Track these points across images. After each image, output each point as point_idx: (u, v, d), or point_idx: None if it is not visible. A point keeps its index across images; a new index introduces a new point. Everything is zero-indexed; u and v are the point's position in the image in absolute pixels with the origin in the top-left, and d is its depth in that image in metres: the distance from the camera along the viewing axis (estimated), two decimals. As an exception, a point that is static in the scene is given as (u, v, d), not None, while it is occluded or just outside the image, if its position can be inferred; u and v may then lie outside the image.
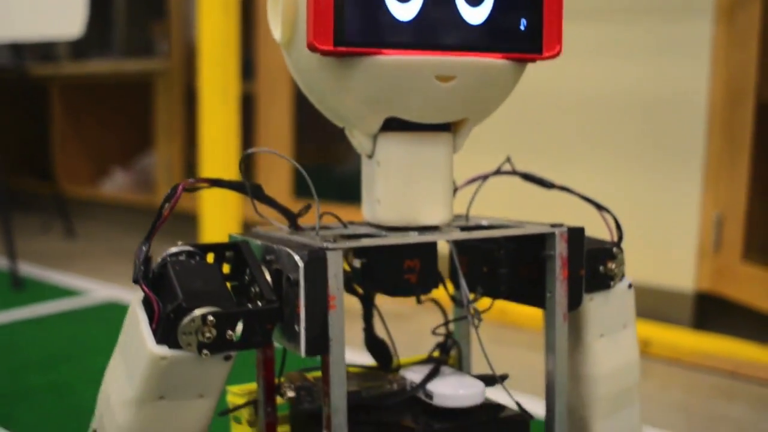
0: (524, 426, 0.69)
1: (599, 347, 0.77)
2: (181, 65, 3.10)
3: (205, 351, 0.58)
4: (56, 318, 2.29)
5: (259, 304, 0.60)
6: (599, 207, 0.78)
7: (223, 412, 0.75)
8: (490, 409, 0.71)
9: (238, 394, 0.75)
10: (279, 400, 0.74)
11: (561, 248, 0.69)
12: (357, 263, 0.70)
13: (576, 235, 0.70)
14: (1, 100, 3.84)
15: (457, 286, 0.78)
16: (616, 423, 0.79)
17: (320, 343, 0.59)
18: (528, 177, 0.80)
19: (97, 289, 2.69)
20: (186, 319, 0.57)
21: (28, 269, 2.86)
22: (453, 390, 0.69)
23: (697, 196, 1.96)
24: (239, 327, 0.58)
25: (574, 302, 0.71)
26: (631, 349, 0.79)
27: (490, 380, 0.73)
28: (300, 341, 0.58)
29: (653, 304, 2.01)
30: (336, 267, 0.59)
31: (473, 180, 0.81)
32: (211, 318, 0.57)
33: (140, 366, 0.59)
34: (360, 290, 0.76)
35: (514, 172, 0.80)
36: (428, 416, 0.68)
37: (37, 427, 1.51)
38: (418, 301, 0.80)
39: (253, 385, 0.74)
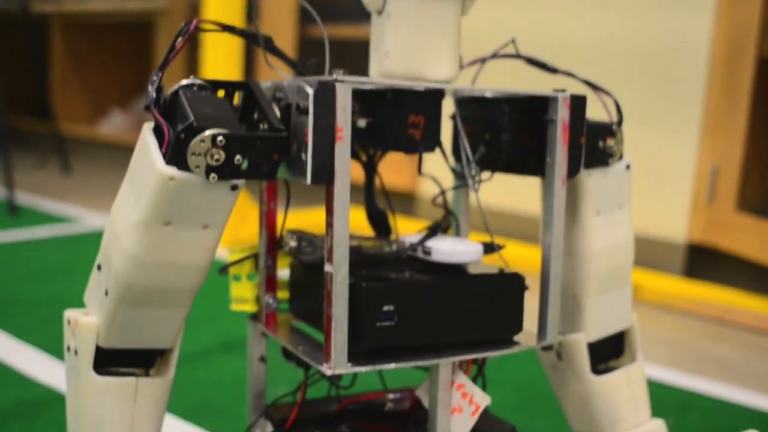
0: (520, 283, 0.70)
1: (595, 224, 0.79)
2: (183, 5, 3.09)
3: (213, 175, 0.59)
4: (51, 241, 2.30)
5: None
6: (601, 90, 0.79)
7: (223, 267, 0.76)
8: (486, 269, 0.72)
9: (238, 251, 0.76)
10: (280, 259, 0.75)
11: (563, 113, 0.70)
12: (362, 123, 0.72)
13: (578, 102, 0.71)
14: (2, 38, 3.82)
15: (458, 158, 0.80)
16: (608, 302, 0.81)
17: (326, 172, 0.60)
18: (531, 61, 0.81)
19: (90, 217, 2.71)
20: (196, 139, 0.58)
21: (24, 198, 2.87)
22: (451, 246, 0.70)
23: (693, 148, 1.97)
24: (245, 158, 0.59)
25: (573, 169, 0.73)
26: (625, 230, 0.81)
27: (487, 248, 0.74)
28: (306, 169, 0.60)
29: (645, 254, 2.03)
30: (344, 100, 0.60)
31: (475, 61, 0.82)
32: (220, 139, 0.58)
33: (148, 188, 0.60)
34: (364, 157, 0.77)
35: (517, 56, 0.81)
36: (426, 271, 0.69)
37: (31, 330, 1.53)
38: (419, 171, 0.81)
39: (253, 243, 0.76)
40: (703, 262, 2.05)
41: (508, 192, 2.15)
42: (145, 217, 0.61)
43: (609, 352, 0.85)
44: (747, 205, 1.97)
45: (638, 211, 2.09)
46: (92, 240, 2.32)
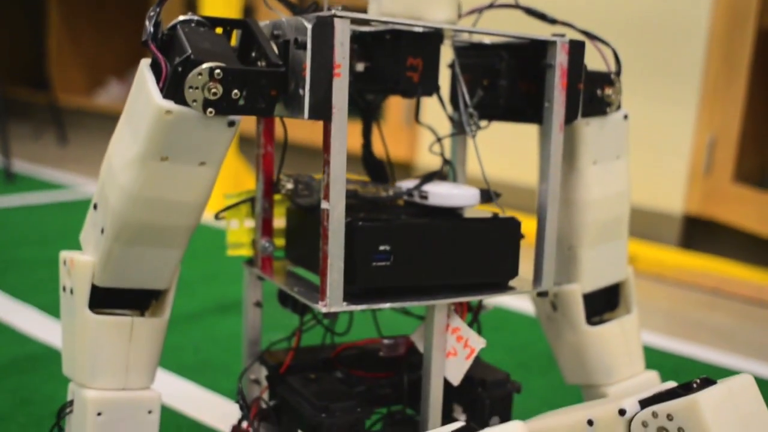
0: (516, 228, 0.70)
1: (591, 173, 0.79)
2: (182, -26, 3.07)
3: (210, 109, 0.59)
4: (48, 207, 2.30)
5: None
6: (599, 40, 0.79)
7: (220, 212, 0.76)
8: (483, 214, 0.72)
9: (234, 195, 0.76)
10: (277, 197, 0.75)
11: (561, 58, 0.70)
12: (361, 67, 0.71)
13: (576, 48, 0.71)
14: (-1, 7, 3.80)
15: (455, 107, 0.80)
16: (603, 253, 0.81)
17: (323, 107, 0.60)
18: (530, 11, 0.80)
19: (87, 184, 2.70)
20: (194, 72, 0.58)
21: (20, 166, 2.87)
22: (447, 190, 0.70)
23: (691, 119, 1.97)
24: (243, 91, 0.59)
25: (571, 115, 0.73)
26: (622, 181, 0.81)
27: (484, 194, 0.74)
28: (304, 104, 0.60)
29: (642, 226, 2.03)
30: (343, 36, 0.60)
31: (474, 11, 0.81)
32: (218, 72, 0.58)
33: (145, 123, 0.60)
34: (362, 103, 0.77)
35: (516, 6, 0.80)
36: (423, 214, 0.69)
37: (28, 290, 1.53)
38: (417, 118, 0.81)
39: (249, 188, 0.76)
40: (700, 233, 2.05)
41: (508, 165, 2.15)
42: (141, 153, 0.61)
43: (604, 305, 0.85)
44: (744, 176, 1.97)
45: (635, 182, 2.09)
46: (88, 206, 2.33)
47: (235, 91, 0.59)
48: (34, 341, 1.29)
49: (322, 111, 0.60)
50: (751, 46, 1.89)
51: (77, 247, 0.71)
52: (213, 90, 0.59)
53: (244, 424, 0.77)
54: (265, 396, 0.76)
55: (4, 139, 2.60)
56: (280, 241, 0.78)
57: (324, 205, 0.61)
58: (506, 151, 2.11)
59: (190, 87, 0.58)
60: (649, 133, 2.01)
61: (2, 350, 1.24)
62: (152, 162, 0.61)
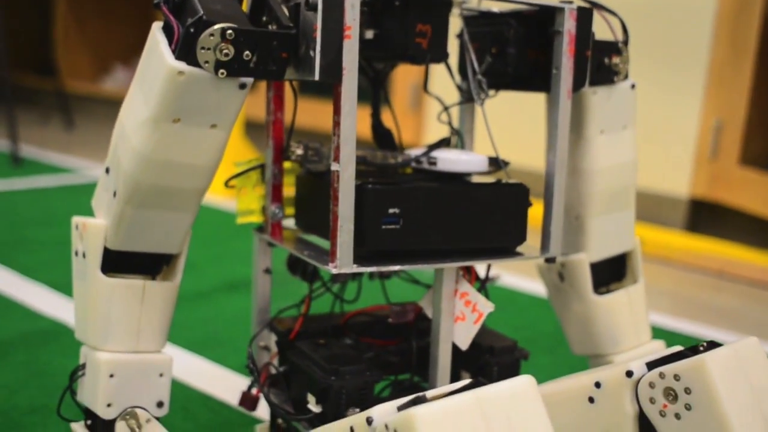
0: (524, 194, 0.71)
1: (599, 143, 0.79)
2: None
3: (222, 71, 0.60)
4: (55, 190, 2.31)
5: None
6: (606, 10, 0.79)
7: (230, 179, 0.77)
8: (491, 180, 0.73)
9: (244, 163, 0.77)
10: (287, 165, 0.76)
11: (569, 25, 0.70)
12: (370, 34, 0.72)
13: (584, 14, 0.71)
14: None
15: (464, 76, 0.80)
16: (610, 223, 0.82)
17: (334, 69, 0.60)
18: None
19: (93, 168, 2.71)
20: (206, 32, 0.58)
21: (27, 151, 2.88)
22: (456, 155, 0.71)
23: (697, 103, 1.97)
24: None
25: (579, 82, 0.73)
26: (630, 150, 0.81)
27: (492, 162, 0.74)
28: (314, 66, 0.60)
29: (648, 210, 2.04)
30: (353, -2, 0.60)
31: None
32: (230, 33, 0.59)
33: (157, 84, 0.61)
34: (370, 71, 0.78)
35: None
36: (432, 179, 0.70)
37: (37, 269, 1.54)
38: (425, 88, 0.81)
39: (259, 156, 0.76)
40: (706, 216, 2.06)
41: (517, 150, 2.14)
42: (153, 114, 0.61)
43: (611, 275, 0.85)
44: (750, 159, 1.97)
45: (641, 166, 2.09)
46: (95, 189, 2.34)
47: (247, 52, 0.60)
48: (43, 317, 1.30)
49: (332, 72, 0.60)
50: (758, 30, 1.89)
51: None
52: (225, 51, 0.59)
53: (254, 390, 0.77)
54: (275, 362, 0.77)
55: (11, 124, 2.61)
56: (290, 211, 0.78)
57: (334, 166, 0.62)
58: (515, 135, 2.11)
59: (202, 48, 0.59)
60: (656, 117, 2.01)
61: (13, 325, 1.25)
62: (164, 124, 0.61)
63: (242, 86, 0.62)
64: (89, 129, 3.54)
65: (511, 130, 2.07)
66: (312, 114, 1.86)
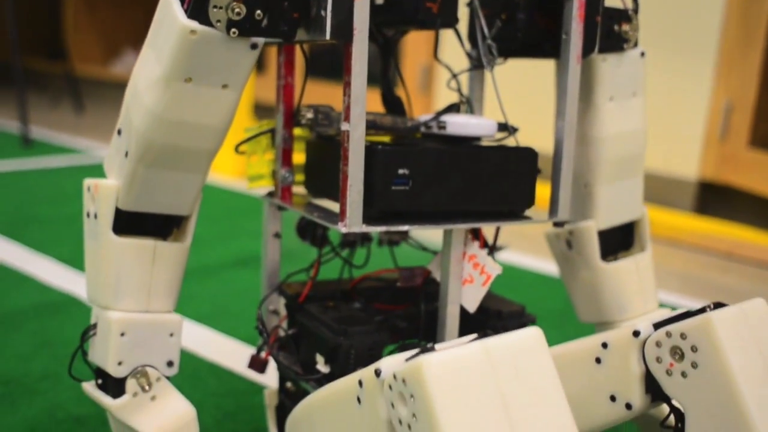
0: (533, 157, 0.71)
1: (608, 110, 0.79)
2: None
3: (233, 30, 0.60)
4: (64, 170, 2.33)
5: None
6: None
7: (240, 143, 0.77)
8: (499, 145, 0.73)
9: (254, 128, 0.77)
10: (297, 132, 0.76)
11: (580, -10, 0.70)
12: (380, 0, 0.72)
13: (595, -20, 0.71)
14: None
15: (473, 44, 0.80)
16: (619, 191, 0.82)
17: (345, 28, 0.61)
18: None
19: (102, 149, 2.72)
20: (217, -9, 0.59)
21: (37, 133, 2.89)
22: (466, 119, 0.71)
23: (708, 84, 1.96)
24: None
25: (588, 48, 0.73)
26: (639, 118, 0.81)
27: (502, 127, 0.75)
28: (326, 26, 0.60)
29: (657, 192, 2.03)
30: (364, -43, 0.60)
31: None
32: (241, -10, 0.59)
33: (169, 44, 0.61)
34: (380, 37, 0.78)
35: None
36: (441, 142, 0.70)
37: (47, 244, 1.55)
38: (435, 55, 0.82)
39: (269, 120, 0.77)
40: (714, 198, 2.05)
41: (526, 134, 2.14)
42: (165, 73, 0.62)
43: (618, 243, 0.86)
44: (759, 141, 1.97)
45: (650, 148, 2.09)
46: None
47: (258, 12, 0.60)
48: (54, 290, 1.31)
49: (343, 32, 0.61)
50: (769, 11, 1.89)
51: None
52: (237, 10, 0.60)
53: (263, 354, 0.78)
54: (284, 325, 0.78)
55: (22, 107, 2.62)
56: (300, 177, 0.78)
57: (344, 126, 0.62)
58: (526, 121, 2.11)
59: (215, 6, 0.59)
60: (665, 98, 2.01)
61: (24, 297, 1.26)
62: (176, 83, 0.62)
63: (254, 46, 0.62)
64: (99, 112, 3.55)
65: (520, 105, 2.07)
66: (323, 97, 1.87)
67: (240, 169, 2.37)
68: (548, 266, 1.59)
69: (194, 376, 1.02)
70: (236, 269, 1.48)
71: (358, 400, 0.56)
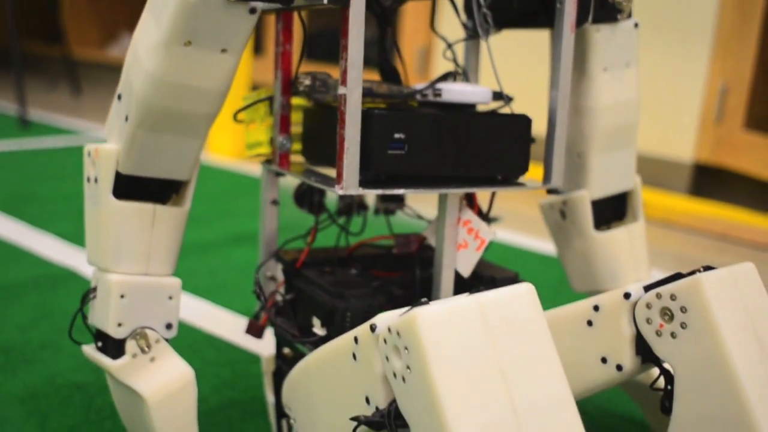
0: (527, 124, 0.72)
1: (602, 80, 0.80)
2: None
3: (232, -6, 0.61)
4: (62, 150, 2.33)
5: None
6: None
7: (238, 111, 0.78)
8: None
9: (252, 96, 0.78)
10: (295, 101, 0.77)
11: (574, -40, 0.71)
12: (377, -33, 0.73)
13: (590, -51, 0.72)
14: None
15: (469, 15, 0.81)
16: (612, 160, 0.83)
17: (342, -8, 0.61)
18: None
19: (99, 129, 2.73)
20: (216, -46, 0.60)
21: (35, 114, 2.89)
22: (461, 87, 0.72)
23: (704, 66, 1.97)
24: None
25: (582, 17, 0.74)
26: (632, 88, 0.82)
27: (497, 95, 0.76)
28: (323, -11, 0.61)
29: (652, 174, 2.04)
30: None
31: None
32: (239, -47, 0.60)
33: (169, 8, 0.62)
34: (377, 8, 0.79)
35: None
36: (437, 108, 0.71)
37: (46, 221, 1.56)
38: (432, 26, 0.82)
39: (267, 87, 0.78)
40: (709, 181, 2.07)
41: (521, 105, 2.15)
42: (165, 37, 0.63)
43: (612, 214, 0.87)
44: (755, 123, 1.98)
45: (646, 131, 2.10)
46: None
47: (256, -25, 0.61)
48: (53, 264, 1.32)
49: (340, -4, 0.62)
50: (766, -7, 1.89)
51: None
52: (235, -27, 0.60)
53: (261, 318, 0.79)
54: (281, 291, 0.79)
55: (19, 89, 2.62)
56: (297, 146, 0.79)
57: (341, 90, 0.63)
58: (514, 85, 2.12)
59: None
60: (661, 81, 2.02)
61: (24, 271, 1.27)
62: (176, 47, 0.63)
63: (252, 11, 0.63)
64: (96, 95, 3.55)
65: (515, 77, 2.08)
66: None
67: (237, 151, 2.38)
68: (542, 245, 1.61)
69: (193, 347, 1.03)
70: (234, 246, 1.49)
71: (354, 356, 0.57)
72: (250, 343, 1.05)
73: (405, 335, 0.50)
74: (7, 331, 1.05)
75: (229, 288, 1.26)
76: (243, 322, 1.12)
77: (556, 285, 1.34)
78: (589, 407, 0.92)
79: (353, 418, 0.56)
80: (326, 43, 2.21)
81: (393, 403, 0.53)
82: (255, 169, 2.24)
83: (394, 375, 0.52)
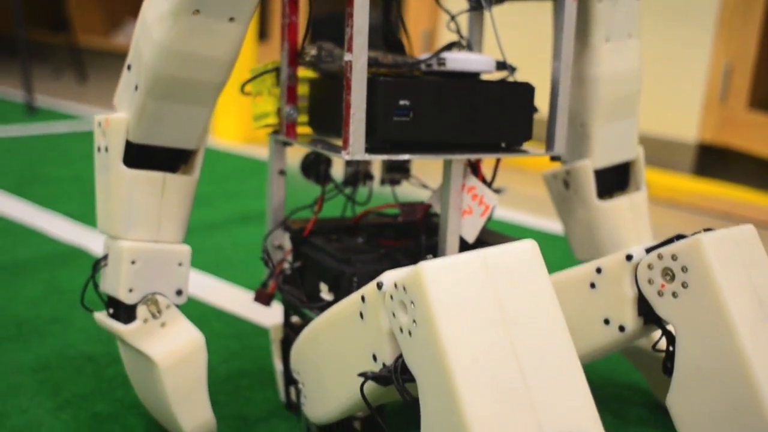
0: (530, 92, 0.73)
1: (604, 50, 0.81)
2: None
3: (239, -39, 0.62)
4: (68, 135, 2.35)
5: None
6: None
7: (245, 82, 0.79)
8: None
9: (259, 68, 0.79)
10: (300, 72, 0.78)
11: (577, -72, 0.72)
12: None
13: None
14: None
15: (473, -15, 0.82)
16: (615, 130, 0.84)
17: (347, -41, 0.62)
18: None
19: (106, 113, 2.74)
20: None
21: (41, 101, 2.91)
22: (465, 55, 0.73)
23: (708, 46, 1.97)
24: None
25: (585, -15, 0.75)
26: (634, 59, 0.83)
27: (500, 65, 0.77)
28: (328, -43, 0.62)
29: (656, 154, 2.05)
30: None
31: None
32: None
33: (177, -23, 0.63)
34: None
35: None
36: (441, 77, 0.72)
37: (54, 201, 1.58)
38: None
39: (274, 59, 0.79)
40: (714, 161, 2.07)
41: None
42: (174, 6, 0.64)
43: (614, 184, 0.88)
44: (759, 103, 1.99)
45: (650, 111, 2.10)
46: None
47: (263, -57, 0.62)
48: (62, 243, 1.34)
49: (345, -37, 0.63)
50: (769, -28, 1.90)
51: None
52: (242, -60, 0.61)
53: (269, 287, 0.80)
54: (289, 259, 0.80)
55: (26, 76, 2.63)
56: (303, 118, 0.80)
57: (347, 56, 0.64)
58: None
59: None
60: (665, 61, 2.02)
61: (33, 249, 1.29)
62: (184, 15, 0.64)
63: (258, -18, 0.64)
64: (102, 82, 3.56)
65: (519, 48, 2.08)
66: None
67: (243, 135, 2.39)
68: (546, 223, 1.62)
69: (201, 320, 1.05)
70: (240, 225, 1.50)
71: (361, 315, 0.58)
72: (257, 315, 1.06)
73: (411, 289, 0.51)
74: (18, 305, 1.06)
75: (236, 264, 1.28)
76: (250, 296, 1.13)
77: (560, 262, 1.35)
78: (594, 377, 0.94)
79: (360, 374, 0.57)
80: (332, 27, 2.22)
81: (399, 358, 0.54)
82: (260, 152, 2.25)
83: (401, 330, 0.53)
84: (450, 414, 0.48)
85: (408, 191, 0.88)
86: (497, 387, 0.48)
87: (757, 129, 1.93)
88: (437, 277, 0.50)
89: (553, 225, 1.60)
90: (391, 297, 0.54)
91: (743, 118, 1.96)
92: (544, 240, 1.51)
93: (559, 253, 1.39)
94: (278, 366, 0.84)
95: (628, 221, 0.85)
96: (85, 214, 1.49)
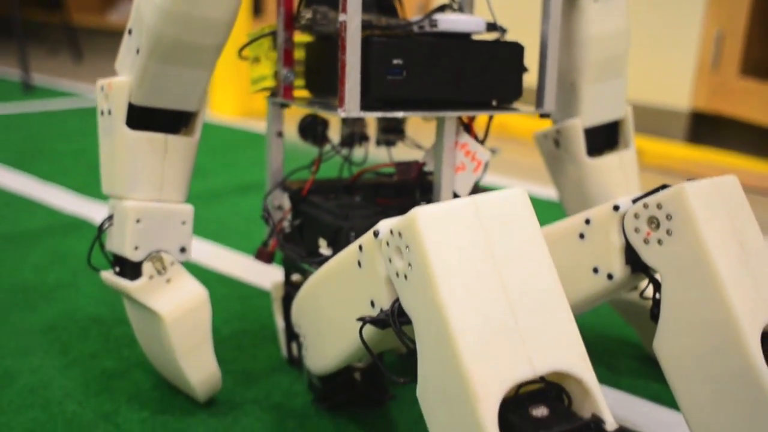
0: (519, 51, 0.75)
1: (592, 10, 0.83)
2: None
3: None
4: (66, 112, 2.36)
5: None
6: None
7: (243, 47, 0.81)
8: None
9: (256, 32, 0.81)
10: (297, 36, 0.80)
11: None
12: None
13: None
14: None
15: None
16: (604, 90, 0.86)
17: None
18: None
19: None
20: None
21: (38, 79, 2.92)
22: (456, 16, 0.75)
23: (699, 13, 1.99)
24: None
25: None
26: (621, 19, 0.85)
27: (491, 26, 0.79)
28: None
29: (649, 122, 2.07)
30: None
31: None
32: None
33: (176, -60, 0.65)
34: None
35: None
36: (434, 37, 0.74)
37: (56, 174, 1.60)
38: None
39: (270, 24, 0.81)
40: (706, 128, 2.09)
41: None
42: (173, -32, 0.66)
43: (603, 143, 0.90)
44: (750, 69, 2.00)
45: (642, 79, 2.12)
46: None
47: None
48: (64, 214, 1.36)
49: (338, -75, 0.64)
50: (760, -61, 1.91)
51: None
52: None
53: (270, 245, 0.83)
54: (288, 218, 0.82)
55: (22, 55, 2.64)
56: (299, 82, 0.83)
57: (342, 17, 0.66)
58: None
59: None
60: (656, 29, 2.04)
61: (37, 220, 1.31)
62: (182, -21, 0.66)
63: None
64: (97, 61, 3.57)
65: (509, 9, 2.10)
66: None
67: (240, 110, 2.41)
68: (539, 189, 1.64)
69: (204, 285, 1.07)
70: (239, 194, 1.52)
71: (359, 264, 0.61)
72: (258, 278, 1.09)
73: (406, 234, 0.53)
74: (24, 272, 1.09)
75: (236, 232, 1.30)
76: (251, 261, 1.16)
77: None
78: (587, 331, 0.97)
79: (359, 319, 0.59)
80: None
81: (396, 302, 0.57)
82: (255, 125, 2.27)
83: (397, 275, 0.56)
84: (444, 349, 0.51)
85: (403, 152, 0.90)
86: (488, 323, 0.51)
87: (749, 96, 1.95)
88: (430, 220, 0.53)
89: (543, 190, 1.62)
90: (387, 243, 0.56)
91: (735, 85, 1.98)
92: (537, 205, 1.53)
93: (548, 219, 1.42)
94: (280, 323, 0.87)
95: (618, 178, 0.87)
96: (87, 186, 1.51)
